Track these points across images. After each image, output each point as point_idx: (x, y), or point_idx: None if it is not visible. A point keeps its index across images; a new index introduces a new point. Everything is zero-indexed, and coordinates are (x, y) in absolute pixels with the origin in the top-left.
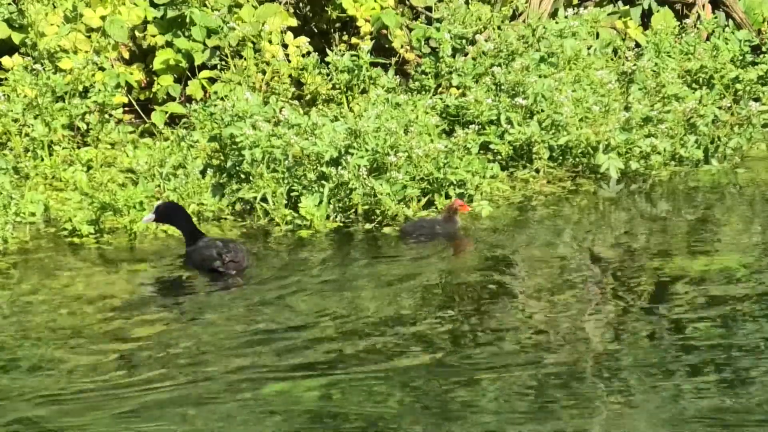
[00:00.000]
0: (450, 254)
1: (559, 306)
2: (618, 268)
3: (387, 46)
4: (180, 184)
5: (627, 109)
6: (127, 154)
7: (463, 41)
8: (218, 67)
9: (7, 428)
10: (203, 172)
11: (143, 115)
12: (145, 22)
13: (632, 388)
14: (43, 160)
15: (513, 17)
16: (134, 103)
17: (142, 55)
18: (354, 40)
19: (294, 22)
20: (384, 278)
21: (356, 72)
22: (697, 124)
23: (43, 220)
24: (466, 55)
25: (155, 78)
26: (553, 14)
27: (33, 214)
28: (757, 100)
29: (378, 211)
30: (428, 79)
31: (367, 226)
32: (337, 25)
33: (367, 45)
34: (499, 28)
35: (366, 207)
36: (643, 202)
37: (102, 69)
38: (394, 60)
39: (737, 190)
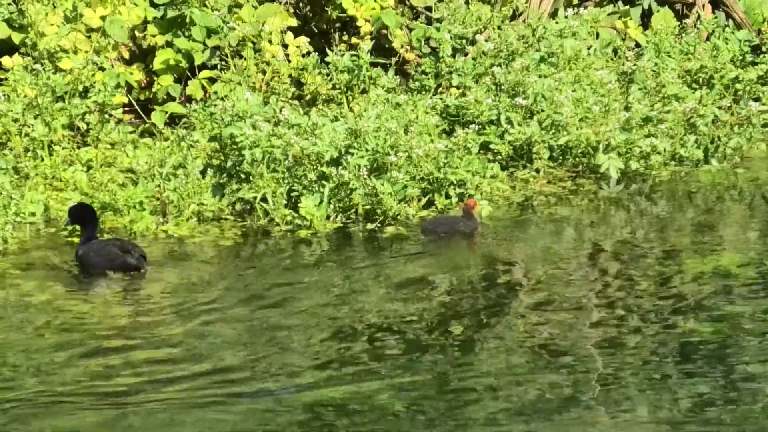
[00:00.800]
0: (450, 255)
1: (561, 307)
2: (618, 267)
3: (387, 46)
4: (180, 184)
5: (627, 109)
6: (127, 154)
7: (463, 41)
8: (218, 67)
9: (3, 428)
10: (203, 172)
11: (143, 115)
12: (145, 22)
13: (631, 389)
14: (43, 160)
15: (513, 17)
16: (134, 103)
17: (142, 55)
18: (354, 40)
19: (294, 22)
20: (386, 279)
21: (356, 72)
22: (697, 124)
23: (43, 220)
24: (466, 55)
25: (155, 78)
26: (553, 14)
27: (33, 214)
28: (757, 100)
29: (379, 211)
30: (428, 79)
31: (369, 226)
32: (337, 25)
33: (367, 45)
34: (499, 28)
35: (367, 207)
36: (643, 202)
37: (102, 69)
38: (394, 60)
39: (737, 190)
